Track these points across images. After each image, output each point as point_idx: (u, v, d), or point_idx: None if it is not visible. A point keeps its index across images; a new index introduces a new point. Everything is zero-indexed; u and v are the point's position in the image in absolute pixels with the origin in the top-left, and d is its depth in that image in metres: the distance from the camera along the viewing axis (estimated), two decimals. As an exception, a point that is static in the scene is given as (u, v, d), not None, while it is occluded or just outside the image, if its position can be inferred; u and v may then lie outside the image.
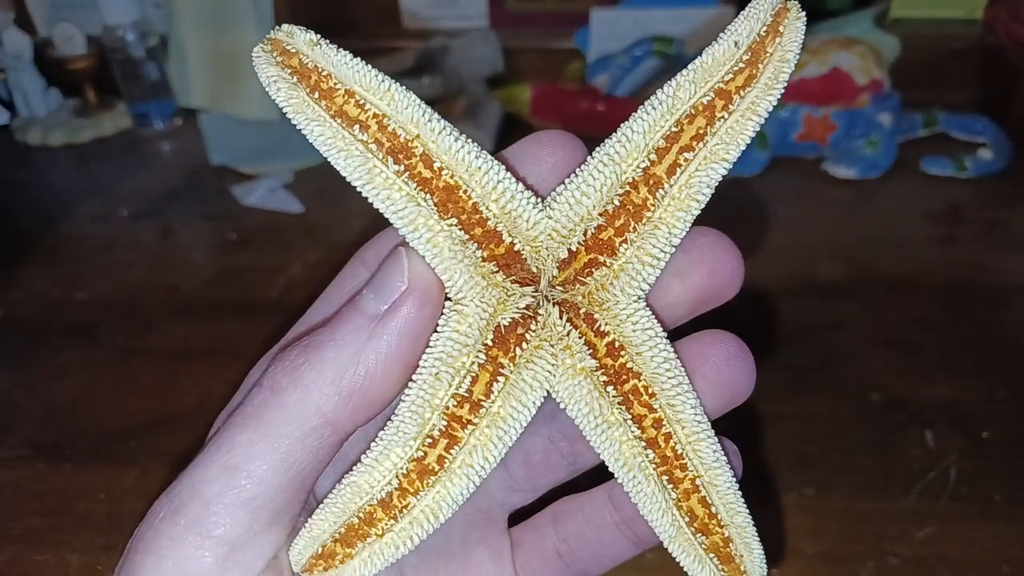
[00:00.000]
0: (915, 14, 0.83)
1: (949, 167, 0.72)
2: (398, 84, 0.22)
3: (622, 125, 0.22)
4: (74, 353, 0.59)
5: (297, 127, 0.21)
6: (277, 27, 0.21)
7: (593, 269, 0.23)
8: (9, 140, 0.87)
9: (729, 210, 0.70)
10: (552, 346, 0.23)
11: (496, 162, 0.22)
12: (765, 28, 0.22)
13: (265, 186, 0.74)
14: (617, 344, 0.23)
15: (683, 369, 0.23)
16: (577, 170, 0.23)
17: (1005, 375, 0.52)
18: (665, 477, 0.23)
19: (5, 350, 0.59)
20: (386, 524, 0.23)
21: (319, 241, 0.68)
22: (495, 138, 0.78)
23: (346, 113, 0.21)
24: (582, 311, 0.23)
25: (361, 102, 0.21)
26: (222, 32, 0.86)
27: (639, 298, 0.23)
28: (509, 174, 0.22)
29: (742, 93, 0.21)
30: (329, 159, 0.22)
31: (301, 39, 0.21)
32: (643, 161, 0.22)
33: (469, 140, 0.22)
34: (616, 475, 0.24)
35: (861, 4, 0.82)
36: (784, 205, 0.71)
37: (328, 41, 0.21)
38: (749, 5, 0.22)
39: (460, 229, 0.22)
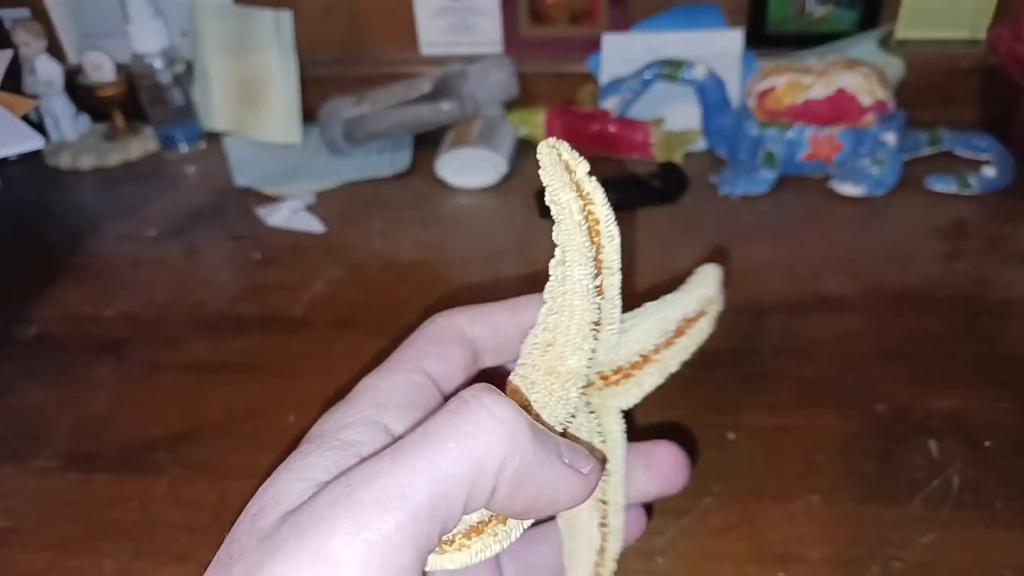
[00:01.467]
0: (919, 35, 0.84)
1: (953, 184, 0.73)
2: (615, 226, 0.28)
3: (663, 301, 0.32)
4: (104, 368, 0.61)
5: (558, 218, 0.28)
6: (557, 141, 0.27)
7: (609, 384, 0.31)
8: (41, 164, 0.90)
9: (739, 227, 0.72)
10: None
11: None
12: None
13: (288, 207, 0.76)
14: (602, 438, 0.31)
15: (624, 468, 0.32)
16: (638, 318, 0.32)
17: (1007, 386, 0.53)
18: (602, 529, 0.33)
19: (39, 365, 0.61)
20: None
21: (340, 260, 0.70)
22: (510, 160, 0.80)
23: (590, 217, 0.28)
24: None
25: (599, 229, 0.28)
26: (245, 59, 0.89)
27: (619, 412, 0.32)
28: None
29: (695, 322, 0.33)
30: (567, 256, 0.28)
31: (581, 167, 0.27)
32: (658, 338, 0.31)
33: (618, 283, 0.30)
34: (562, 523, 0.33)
35: (866, 26, 0.84)
36: (791, 222, 0.73)
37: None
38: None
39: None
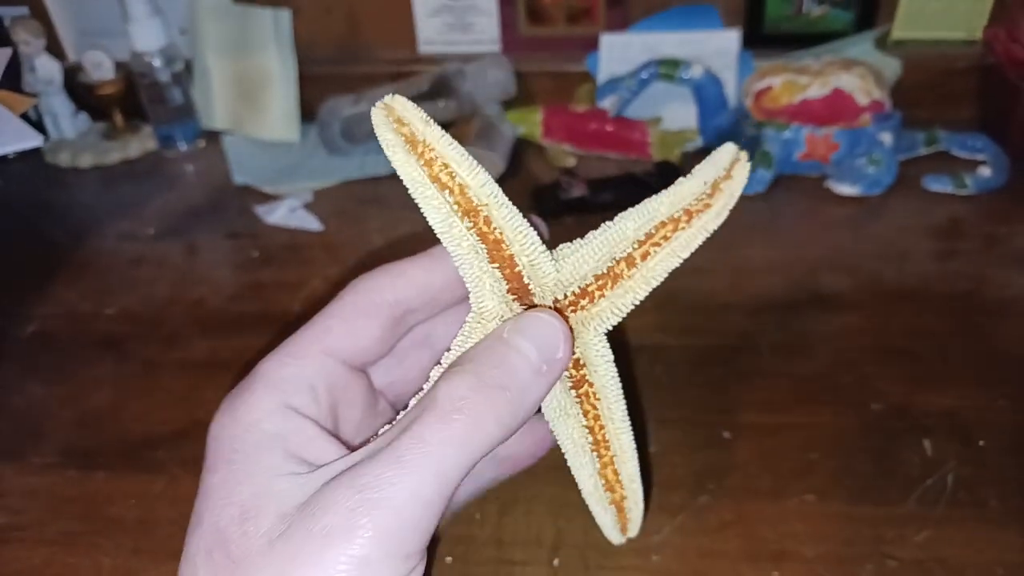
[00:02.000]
0: (915, 35, 0.84)
1: (950, 184, 0.73)
2: (477, 163, 0.28)
3: (618, 217, 0.30)
4: (104, 365, 0.61)
5: (403, 184, 0.28)
6: (391, 95, 0.27)
7: (577, 309, 0.30)
8: (40, 162, 0.90)
9: (735, 226, 0.72)
10: None
11: (530, 228, 0.29)
12: (724, 171, 0.30)
13: (287, 205, 0.76)
14: (582, 361, 0.31)
15: (620, 386, 0.31)
16: (583, 241, 0.30)
17: (1002, 385, 0.54)
18: (595, 453, 0.32)
19: (38, 362, 0.62)
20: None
21: (338, 258, 0.71)
22: (507, 159, 0.80)
23: (440, 179, 0.28)
24: None
25: (451, 172, 0.28)
26: (244, 57, 0.89)
27: (601, 334, 0.31)
28: (537, 238, 0.29)
29: (699, 215, 0.30)
30: (424, 212, 0.28)
31: (415, 115, 0.27)
32: (628, 247, 0.29)
33: (516, 210, 0.29)
34: (563, 448, 0.33)
35: (863, 26, 0.84)
36: (788, 221, 0.73)
37: (430, 120, 0.28)
38: (714, 153, 0.30)
39: (499, 271, 0.29)
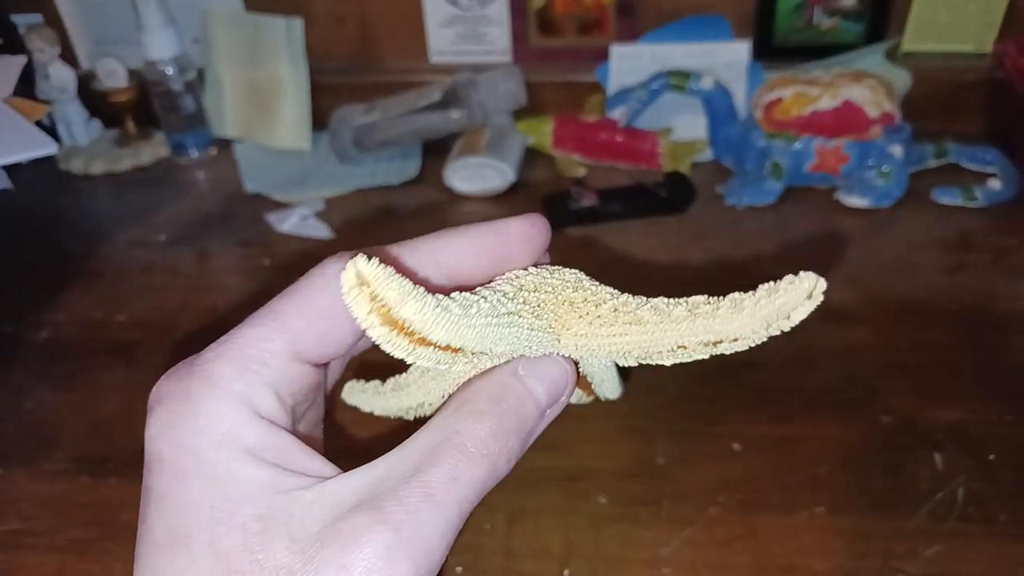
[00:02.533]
0: (926, 48, 0.85)
1: (959, 197, 0.73)
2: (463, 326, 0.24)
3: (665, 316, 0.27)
4: (116, 372, 0.61)
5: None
6: (363, 258, 0.22)
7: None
8: (53, 168, 0.90)
9: (745, 238, 0.72)
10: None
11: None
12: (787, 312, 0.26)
13: (298, 214, 0.77)
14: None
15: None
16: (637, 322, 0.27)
17: (1012, 399, 0.54)
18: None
19: (51, 369, 0.62)
20: None
21: (348, 267, 0.71)
22: (518, 169, 0.80)
23: (426, 342, 0.24)
24: None
25: (434, 340, 0.24)
26: (257, 65, 0.90)
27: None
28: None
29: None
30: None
31: (390, 291, 0.22)
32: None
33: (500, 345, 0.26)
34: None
35: (873, 38, 0.84)
36: (798, 233, 0.73)
37: (407, 291, 0.22)
38: (791, 283, 0.25)
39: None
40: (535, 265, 0.29)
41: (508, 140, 0.81)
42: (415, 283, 0.22)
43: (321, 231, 0.75)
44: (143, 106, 0.91)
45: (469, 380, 0.28)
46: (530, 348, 0.27)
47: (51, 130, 0.91)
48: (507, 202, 0.80)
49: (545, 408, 0.27)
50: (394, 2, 0.90)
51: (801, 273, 0.25)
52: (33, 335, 0.65)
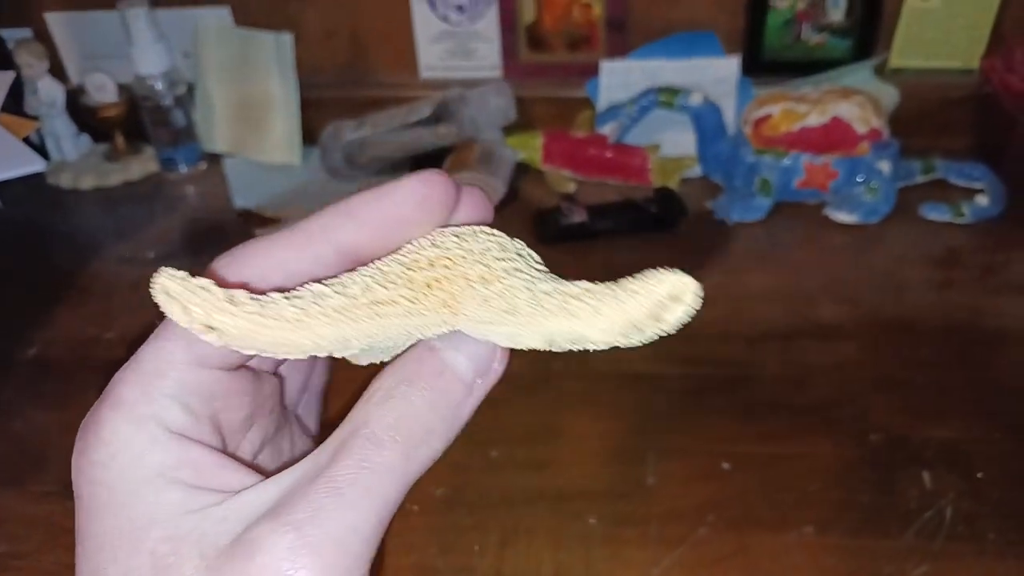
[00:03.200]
0: (913, 64, 0.85)
1: (947, 213, 0.74)
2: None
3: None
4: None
5: None
6: (164, 274, 0.20)
7: None
8: (42, 184, 0.90)
9: (734, 254, 0.72)
10: None
11: None
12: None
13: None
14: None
15: None
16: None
17: (1000, 416, 0.54)
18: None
19: (40, 388, 0.62)
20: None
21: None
22: (507, 184, 0.80)
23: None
24: None
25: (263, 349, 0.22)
26: (246, 80, 0.90)
27: None
28: None
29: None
30: None
31: (197, 308, 0.21)
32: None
33: None
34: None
35: (861, 55, 0.85)
36: (787, 249, 0.73)
37: (221, 305, 0.21)
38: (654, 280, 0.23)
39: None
40: (452, 228, 0.26)
41: (498, 155, 0.81)
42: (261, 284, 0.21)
43: (311, 247, 0.75)
44: (132, 121, 0.91)
45: (393, 360, 0.25)
46: (424, 332, 0.24)
47: (39, 145, 0.91)
48: (497, 218, 0.79)
49: (472, 380, 0.25)
50: (384, 17, 0.90)
51: (663, 271, 0.23)
52: (21, 352, 0.65)
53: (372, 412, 0.24)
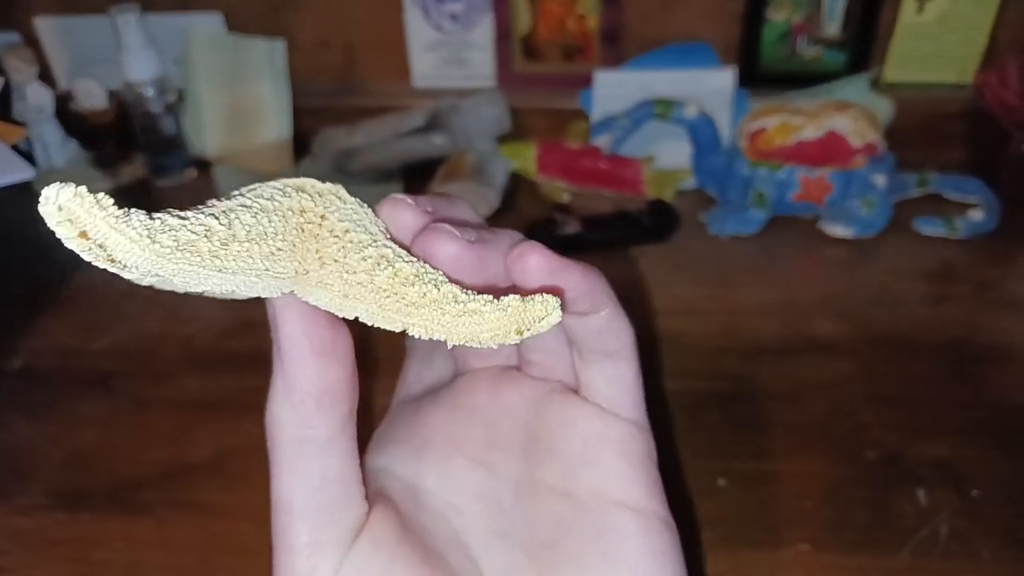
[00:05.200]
0: (908, 78, 0.85)
1: (941, 227, 0.74)
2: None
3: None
4: (92, 403, 0.60)
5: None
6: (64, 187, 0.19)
7: None
8: (28, 190, 0.89)
9: (729, 267, 0.72)
10: None
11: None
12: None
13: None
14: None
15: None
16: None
17: (995, 434, 0.54)
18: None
19: (26, 399, 0.61)
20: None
21: (330, 294, 0.70)
22: (501, 195, 0.80)
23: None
24: None
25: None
26: (238, 87, 0.89)
27: None
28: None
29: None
30: None
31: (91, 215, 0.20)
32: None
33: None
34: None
35: (856, 68, 0.85)
36: (782, 263, 0.73)
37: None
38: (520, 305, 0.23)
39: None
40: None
41: (492, 165, 0.81)
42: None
43: (303, 257, 0.74)
44: (122, 127, 0.90)
45: None
46: (267, 287, 0.23)
47: (27, 152, 0.90)
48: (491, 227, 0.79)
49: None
50: (378, 26, 0.90)
51: (541, 296, 0.23)
52: (7, 363, 0.64)
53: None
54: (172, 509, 0.51)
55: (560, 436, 0.29)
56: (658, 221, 0.76)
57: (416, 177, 0.85)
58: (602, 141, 0.81)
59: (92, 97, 0.89)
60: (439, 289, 0.23)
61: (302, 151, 0.89)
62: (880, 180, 0.73)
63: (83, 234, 0.19)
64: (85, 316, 0.70)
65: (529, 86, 0.90)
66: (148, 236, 0.20)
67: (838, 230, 0.74)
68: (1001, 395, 0.57)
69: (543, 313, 0.23)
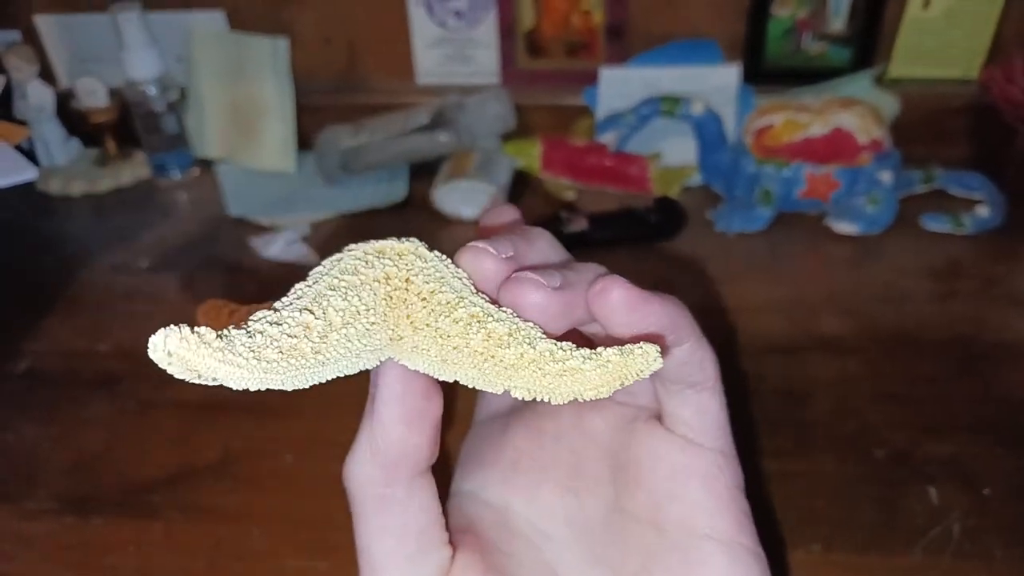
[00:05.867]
0: (913, 74, 0.85)
1: (947, 224, 0.74)
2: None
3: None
4: (98, 405, 0.60)
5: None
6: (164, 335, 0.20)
7: None
8: (31, 189, 0.89)
9: (734, 265, 0.72)
10: None
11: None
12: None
13: (284, 239, 0.76)
14: None
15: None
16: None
17: (1004, 431, 0.54)
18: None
19: (31, 401, 0.61)
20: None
21: (336, 294, 0.70)
22: (507, 192, 0.80)
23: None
24: None
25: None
26: (241, 86, 0.89)
27: None
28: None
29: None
30: None
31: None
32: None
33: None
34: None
35: (861, 64, 0.84)
36: (788, 260, 0.73)
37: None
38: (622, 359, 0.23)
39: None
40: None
41: (496, 163, 0.81)
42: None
43: (307, 256, 0.74)
44: (124, 126, 0.90)
45: None
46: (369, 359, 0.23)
47: (29, 150, 0.90)
48: (496, 226, 0.79)
49: None
50: (381, 23, 0.89)
51: (641, 348, 0.23)
52: (12, 365, 0.64)
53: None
54: (180, 512, 0.51)
55: (647, 468, 0.29)
56: (664, 218, 0.75)
57: (421, 175, 0.85)
58: (608, 138, 0.81)
59: (94, 95, 0.88)
60: (535, 348, 0.23)
61: (305, 149, 0.89)
62: (886, 176, 0.73)
63: (194, 371, 0.20)
64: (90, 317, 0.69)
65: (533, 83, 0.90)
66: (254, 357, 0.21)
67: (844, 227, 0.74)
68: (1010, 392, 0.57)
69: (644, 366, 0.23)
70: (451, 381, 0.24)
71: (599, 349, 0.23)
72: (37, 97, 0.88)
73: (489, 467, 0.32)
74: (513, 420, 0.33)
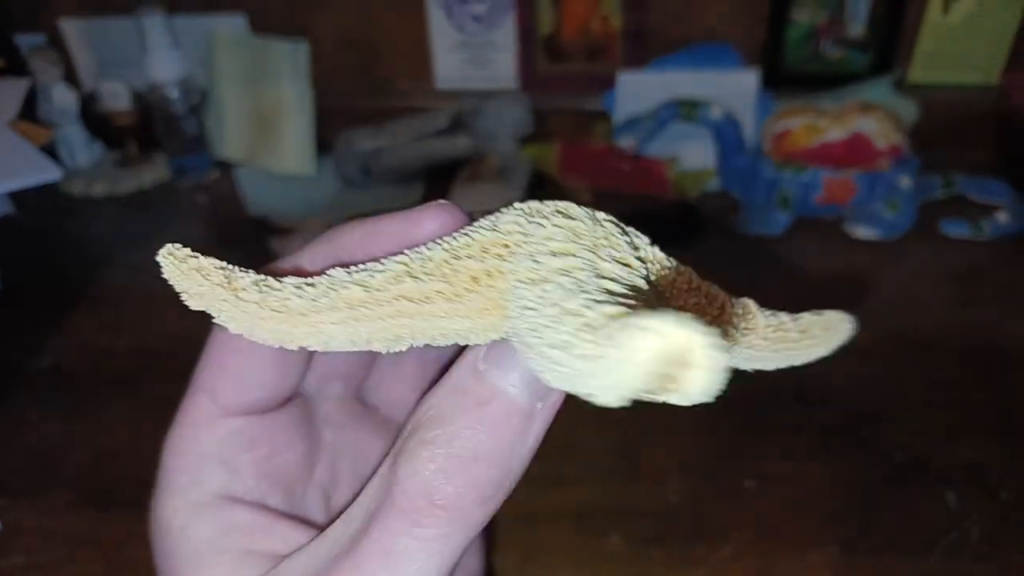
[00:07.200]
0: (933, 79, 0.85)
1: (967, 229, 0.73)
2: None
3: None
4: (119, 402, 0.61)
5: None
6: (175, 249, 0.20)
7: None
8: (54, 191, 0.90)
9: (753, 269, 0.72)
10: None
11: None
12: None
13: (302, 240, 0.76)
14: None
15: None
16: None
17: (1022, 436, 0.53)
18: None
19: (54, 398, 0.61)
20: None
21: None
22: (525, 196, 0.80)
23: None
24: None
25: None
26: (261, 89, 0.90)
27: None
28: None
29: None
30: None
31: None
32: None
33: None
34: None
35: (880, 68, 0.84)
36: (807, 264, 0.73)
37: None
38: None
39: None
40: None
41: (515, 168, 0.81)
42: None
43: (326, 257, 0.75)
44: (146, 128, 0.90)
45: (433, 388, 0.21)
46: (471, 338, 0.20)
47: (51, 152, 0.91)
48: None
49: (531, 406, 0.20)
50: (401, 27, 0.90)
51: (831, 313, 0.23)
52: (36, 363, 0.65)
53: (402, 468, 0.19)
54: (200, 508, 0.51)
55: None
56: (683, 222, 0.76)
57: (437, 178, 0.85)
58: (627, 142, 0.81)
59: (116, 98, 0.89)
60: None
61: (324, 152, 0.89)
62: (905, 182, 0.73)
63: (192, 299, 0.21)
64: (111, 315, 0.70)
65: (552, 87, 0.90)
66: (256, 302, 0.20)
67: (863, 232, 0.74)
68: (1027, 397, 0.57)
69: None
70: None
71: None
72: (61, 100, 0.89)
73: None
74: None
